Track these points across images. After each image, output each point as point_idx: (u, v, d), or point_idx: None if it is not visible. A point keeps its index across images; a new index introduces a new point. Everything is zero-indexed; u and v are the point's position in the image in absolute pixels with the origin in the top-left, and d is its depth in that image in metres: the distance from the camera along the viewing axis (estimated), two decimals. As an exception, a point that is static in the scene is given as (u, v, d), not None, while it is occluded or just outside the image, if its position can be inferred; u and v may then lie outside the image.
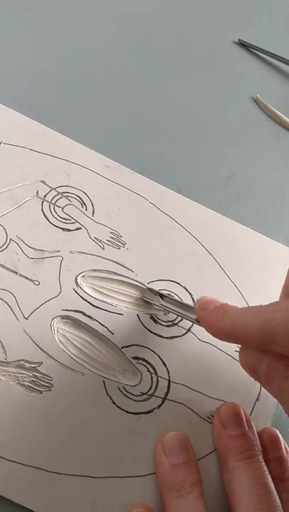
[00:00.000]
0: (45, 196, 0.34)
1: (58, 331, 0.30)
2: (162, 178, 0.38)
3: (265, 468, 0.28)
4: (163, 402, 0.30)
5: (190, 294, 0.33)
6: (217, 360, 0.32)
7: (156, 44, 0.45)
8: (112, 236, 0.34)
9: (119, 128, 0.39)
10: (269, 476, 0.28)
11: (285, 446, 0.30)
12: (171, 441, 0.28)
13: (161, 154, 0.39)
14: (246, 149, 0.41)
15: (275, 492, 0.27)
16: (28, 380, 0.29)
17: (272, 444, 0.30)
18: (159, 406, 0.30)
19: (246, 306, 0.34)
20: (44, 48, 0.41)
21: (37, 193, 0.34)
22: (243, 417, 0.30)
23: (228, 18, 0.49)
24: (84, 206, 0.34)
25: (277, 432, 0.31)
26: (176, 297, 0.33)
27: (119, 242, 0.34)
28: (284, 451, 0.30)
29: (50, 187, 0.34)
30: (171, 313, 0.33)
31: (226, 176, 0.39)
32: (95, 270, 0.32)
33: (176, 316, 0.33)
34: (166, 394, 0.30)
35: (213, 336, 0.27)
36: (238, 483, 0.28)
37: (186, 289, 0.34)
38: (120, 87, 0.41)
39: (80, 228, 0.34)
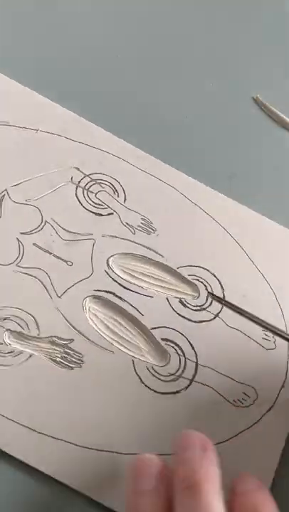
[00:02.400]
0: (79, 182, 0.35)
1: (89, 310, 0.31)
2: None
3: None
4: (190, 383, 0.30)
5: (218, 280, 0.34)
6: (244, 346, 0.32)
7: (156, 44, 0.44)
8: (142, 222, 0.35)
9: (119, 128, 0.39)
10: None
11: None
12: (138, 465, 0.26)
13: (161, 154, 0.39)
14: (246, 149, 0.41)
15: None
16: (59, 355, 0.29)
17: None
18: (186, 387, 0.30)
19: (273, 296, 0.34)
20: (43, 48, 0.41)
21: (71, 178, 0.35)
22: None
23: (229, 18, 0.48)
24: (116, 193, 0.35)
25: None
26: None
27: (149, 228, 0.35)
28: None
29: (84, 173, 0.35)
30: (200, 298, 0.33)
31: (226, 175, 0.39)
32: (125, 254, 0.33)
33: (204, 301, 0.33)
34: (194, 376, 0.31)
35: None
36: None
37: (215, 276, 0.34)
38: (120, 87, 0.41)
39: (112, 213, 0.34)
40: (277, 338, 0.33)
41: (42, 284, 0.31)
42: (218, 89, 0.43)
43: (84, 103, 0.38)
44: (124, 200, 0.35)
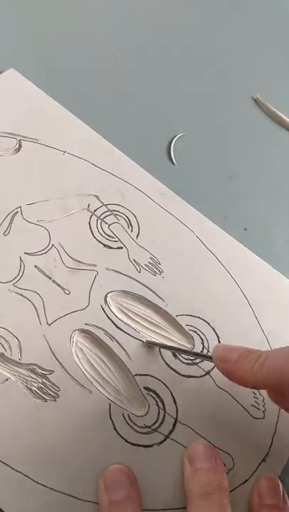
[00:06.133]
0: (95, 210, 0.34)
1: (76, 344, 0.30)
2: (162, 179, 0.38)
3: None
4: (165, 439, 0.29)
5: (217, 336, 0.32)
6: (231, 410, 0.31)
7: (156, 44, 0.45)
8: (150, 262, 0.34)
9: (119, 127, 0.39)
10: None
11: (284, 495, 0.29)
12: (111, 476, 0.27)
13: (161, 154, 0.39)
14: (246, 149, 0.41)
15: None
16: (36, 385, 0.29)
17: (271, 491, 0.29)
18: (160, 443, 0.29)
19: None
20: (43, 48, 0.41)
21: (88, 206, 0.34)
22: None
23: (229, 18, 0.49)
24: (130, 227, 0.35)
25: (278, 480, 0.29)
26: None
27: (156, 268, 0.34)
28: (281, 500, 0.28)
29: (102, 203, 0.35)
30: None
31: (226, 176, 0.39)
32: (125, 291, 0.32)
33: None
34: (170, 432, 0.29)
35: (244, 385, 0.27)
36: None
37: (214, 331, 0.33)
38: (120, 87, 0.41)
39: (121, 248, 0.34)
40: (268, 408, 0.31)
41: (34, 308, 0.30)
42: (218, 89, 0.44)
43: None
44: (137, 236, 0.34)
